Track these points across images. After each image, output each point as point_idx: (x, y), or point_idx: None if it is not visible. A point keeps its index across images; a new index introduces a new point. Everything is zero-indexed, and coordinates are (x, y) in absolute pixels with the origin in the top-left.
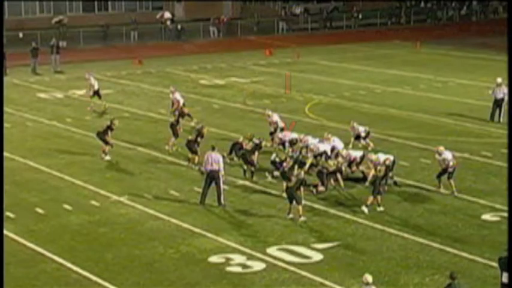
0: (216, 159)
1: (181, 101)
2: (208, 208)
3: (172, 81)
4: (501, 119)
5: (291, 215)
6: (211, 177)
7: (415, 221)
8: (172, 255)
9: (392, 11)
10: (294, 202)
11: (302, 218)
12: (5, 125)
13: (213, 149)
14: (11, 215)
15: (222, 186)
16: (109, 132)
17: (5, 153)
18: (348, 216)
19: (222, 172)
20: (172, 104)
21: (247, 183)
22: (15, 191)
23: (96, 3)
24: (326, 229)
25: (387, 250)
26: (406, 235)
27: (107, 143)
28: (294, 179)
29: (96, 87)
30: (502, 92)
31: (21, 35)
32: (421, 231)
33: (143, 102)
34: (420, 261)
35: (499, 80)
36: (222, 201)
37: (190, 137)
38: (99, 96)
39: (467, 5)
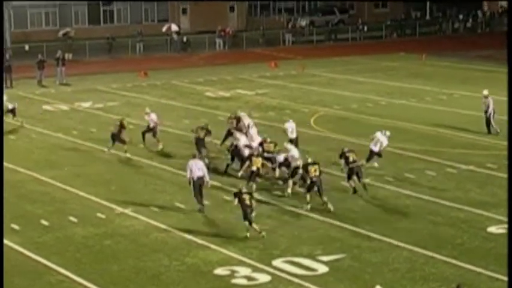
0: (199, 166)
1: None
2: (213, 220)
3: (178, 93)
4: (494, 131)
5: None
6: (200, 184)
7: (420, 233)
8: (177, 267)
9: (397, 23)
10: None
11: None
12: (11, 136)
13: (194, 156)
14: (16, 227)
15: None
16: (123, 131)
17: (10, 165)
18: (352, 228)
19: (207, 178)
20: (148, 126)
21: (253, 195)
22: (21, 202)
23: (102, 15)
24: (331, 241)
25: (393, 262)
26: (411, 247)
27: (123, 142)
28: None
29: (10, 107)
30: (486, 105)
31: (27, 47)
32: (426, 243)
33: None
34: (426, 273)
35: (485, 92)
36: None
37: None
38: (14, 115)
39: (473, 17)
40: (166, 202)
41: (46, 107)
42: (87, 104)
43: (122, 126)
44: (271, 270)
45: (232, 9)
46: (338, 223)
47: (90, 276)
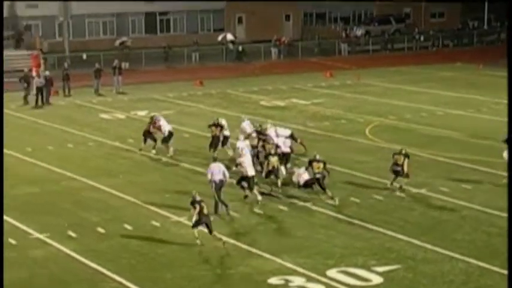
0: (220, 169)
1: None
2: (266, 229)
3: (233, 102)
4: None
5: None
6: (221, 186)
7: (476, 244)
8: (231, 276)
9: (454, 32)
10: None
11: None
12: (68, 145)
13: (215, 160)
14: (73, 235)
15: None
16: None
17: (68, 173)
18: (407, 238)
19: (226, 178)
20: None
21: (307, 205)
22: (77, 210)
23: (158, 25)
24: (386, 252)
25: (448, 274)
26: (467, 258)
27: (155, 139)
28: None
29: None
30: None
31: (84, 56)
32: (482, 255)
33: (203, 123)
34: (481, 285)
35: None
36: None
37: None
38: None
39: None
40: (220, 211)
41: (103, 115)
42: (143, 113)
43: (153, 125)
44: (325, 280)
45: (288, 18)
46: (393, 233)
47: (144, 284)
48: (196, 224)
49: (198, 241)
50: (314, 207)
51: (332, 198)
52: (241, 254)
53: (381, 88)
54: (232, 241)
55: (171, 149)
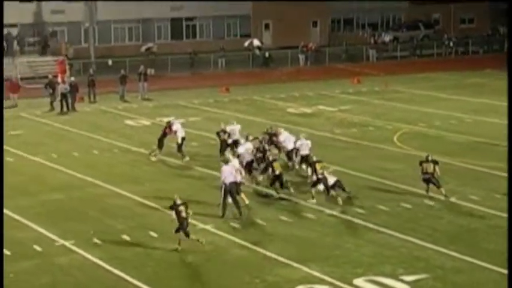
0: (232, 171)
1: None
2: (294, 237)
3: (259, 109)
4: None
5: None
6: (231, 189)
7: (505, 253)
8: (258, 285)
9: (484, 38)
10: None
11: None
12: (94, 151)
13: (227, 162)
14: (98, 242)
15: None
16: (167, 135)
17: (93, 180)
18: (436, 247)
19: (238, 179)
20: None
21: (334, 212)
22: (102, 217)
23: (184, 30)
24: (415, 261)
25: (478, 284)
26: (497, 268)
27: (161, 145)
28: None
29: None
30: None
31: (110, 62)
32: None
33: None
34: None
35: None
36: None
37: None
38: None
39: None
40: (247, 219)
41: (128, 121)
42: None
43: (169, 128)
44: None
45: (315, 24)
46: (421, 242)
47: None
48: (178, 229)
49: (179, 247)
50: (342, 216)
51: (336, 197)
52: (268, 263)
53: (409, 95)
54: (259, 249)
55: (186, 157)
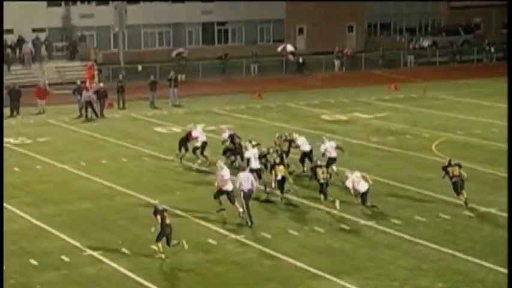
0: (249, 178)
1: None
2: (327, 248)
3: (293, 116)
4: None
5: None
6: (248, 196)
7: None
8: None
9: None
10: None
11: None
12: (122, 159)
13: (244, 169)
14: (127, 252)
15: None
16: (190, 139)
17: (122, 189)
18: (476, 260)
19: (254, 186)
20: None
21: (369, 223)
22: (132, 227)
23: (216, 35)
24: (454, 274)
25: None
26: None
27: (186, 149)
28: None
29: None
30: None
31: (140, 67)
32: None
33: (262, 138)
34: None
35: None
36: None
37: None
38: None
39: None
40: (279, 229)
41: (158, 129)
42: (199, 127)
43: (190, 135)
44: None
45: (351, 29)
46: (460, 254)
47: None
48: (160, 237)
49: (162, 255)
50: (378, 226)
51: (333, 201)
52: (301, 275)
53: (448, 102)
54: (293, 261)
55: (208, 161)
